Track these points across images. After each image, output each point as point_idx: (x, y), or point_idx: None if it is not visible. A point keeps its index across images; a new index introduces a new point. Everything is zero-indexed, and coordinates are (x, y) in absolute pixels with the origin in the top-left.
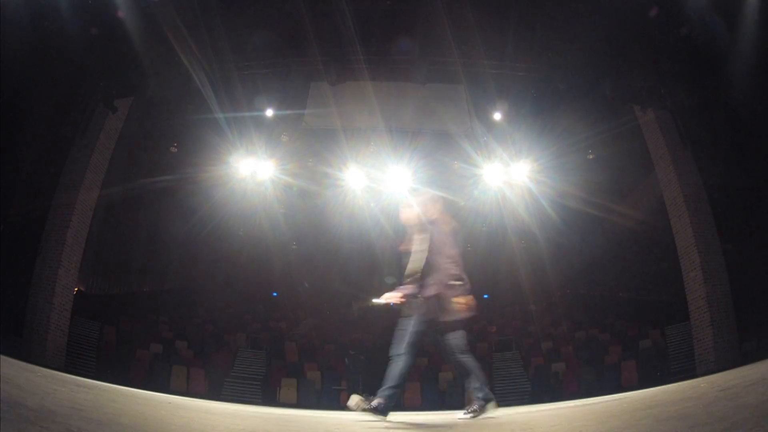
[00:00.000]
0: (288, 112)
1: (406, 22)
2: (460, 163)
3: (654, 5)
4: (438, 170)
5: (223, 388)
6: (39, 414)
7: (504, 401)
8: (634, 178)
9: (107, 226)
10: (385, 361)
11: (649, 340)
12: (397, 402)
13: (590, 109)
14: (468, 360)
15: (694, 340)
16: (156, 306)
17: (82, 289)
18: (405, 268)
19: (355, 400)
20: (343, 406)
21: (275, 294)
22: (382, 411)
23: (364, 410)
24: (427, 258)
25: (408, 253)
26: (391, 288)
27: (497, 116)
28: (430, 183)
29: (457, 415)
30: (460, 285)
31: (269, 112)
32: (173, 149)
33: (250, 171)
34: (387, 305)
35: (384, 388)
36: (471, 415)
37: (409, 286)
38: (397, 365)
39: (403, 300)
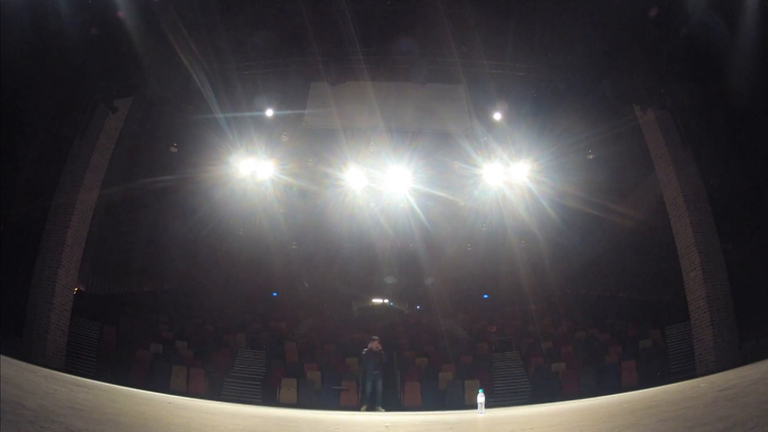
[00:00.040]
0: (288, 112)
1: (406, 22)
2: (460, 163)
3: (654, 5)
4: (438, 170)
5: (223, 388)
6: (39, 414)
7: (504, 401)
8: (634, 178)
9: (107, 226)
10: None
11: (649, 340)
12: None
13: (590, 109)
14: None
15: (694, 340)
16: (156, 306)
17: (82, 289)
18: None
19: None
20: (343, 406)
21: (275, 294)
22: None
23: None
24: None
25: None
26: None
27: (497, 116)
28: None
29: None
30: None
31: (269, 112)
32: (173, 149)
33: (250, 171)
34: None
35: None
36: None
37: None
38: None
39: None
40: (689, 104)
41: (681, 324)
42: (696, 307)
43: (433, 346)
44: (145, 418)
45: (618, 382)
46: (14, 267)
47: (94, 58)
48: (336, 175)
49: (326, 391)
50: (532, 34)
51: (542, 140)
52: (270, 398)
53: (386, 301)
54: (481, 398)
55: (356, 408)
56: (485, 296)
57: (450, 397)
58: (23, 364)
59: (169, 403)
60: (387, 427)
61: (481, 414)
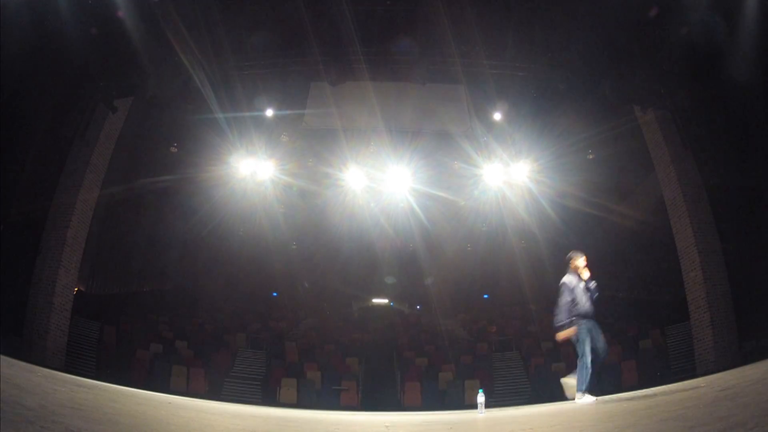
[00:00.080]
0: (288, 112)
1: (406, 22)
2: (460, 163)
3: (654, 5)
4: (438, 170)
5: (223, 388)
6: (39, 414)
7: (504, 401)
8: (634, 178)
9: (107, 226)
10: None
11: (649, 340)
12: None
13: (590, 109)
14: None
15: (694, 340)
16: (156, 306)
17: (82, 289)
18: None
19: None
20: (343, 406)
21: (275, 294)
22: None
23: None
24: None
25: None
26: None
27: (497, 116)
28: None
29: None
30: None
31: (269, 112)
32: (173, 149)
33: (250, 171)
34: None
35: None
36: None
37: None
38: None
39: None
40: (689, 104)
41: (681, 324)
42: (696, 307)
43: (433, 346)
44: (145, 418)
45: (618, 382)
46: (14, 267)
47: (94, 58)
48: (336, 175)
49: (326, 391)
50: (532, 34)
51: (542, 140)
52: (270, 398)
53: (386, 301)
54: (481, 398)
55: (356, 408)
56: (485, 296)
57: (450, 397)
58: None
59: (169, 403)
60: (387, 427)
61: (481, 414)
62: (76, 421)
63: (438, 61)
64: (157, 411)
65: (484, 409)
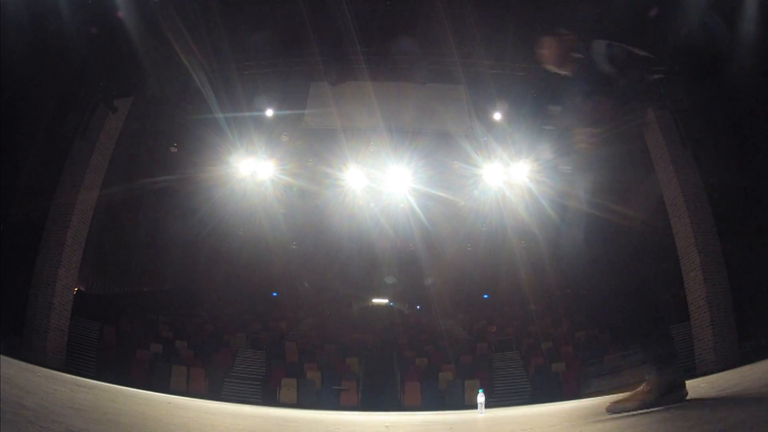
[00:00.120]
0: (288, 112)
1: (406, 22)
2: (460, 163)
3: (654, 5)
4: (438, 170)
5: (223, 388)
6: (39, 414)
7: (504, 401)
8: (634, 178)
9: (107, 226)
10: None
11: None
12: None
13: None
14: None
15: (694, 340)
16: (156, 306)
17: (82, 289)
18: None
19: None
20: (343, 406)
21: (275, 294)
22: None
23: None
24: None
25: None
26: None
27: (497, 116)
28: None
29: None
30: None
31: (269, 112)
32: (173, 149)
33: (250, 171)
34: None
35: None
36: None
37: None
38: None
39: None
40: (689, 104)
41: (681, 324)
42: (696, 307)
43: (433, 346)
44: (145, 418)
45: (618, 382)
46: (14, 267)
47: (94, 58)
48: (336, 175)
49: (326, 391)
50: (532, 34)
51: (542, 140)
52: (270, 398)
53: (386, 301)
54: (481, 398)
55: (356, 408)
56: (485, 296)
57: (450, 397)
58: (23, 364)
59: (169, 403)
60: (387, 427)
61: (481, 414)
62: (76, 421)
63: (438, 61)
64: (157, 411)
65: (484, 409)
